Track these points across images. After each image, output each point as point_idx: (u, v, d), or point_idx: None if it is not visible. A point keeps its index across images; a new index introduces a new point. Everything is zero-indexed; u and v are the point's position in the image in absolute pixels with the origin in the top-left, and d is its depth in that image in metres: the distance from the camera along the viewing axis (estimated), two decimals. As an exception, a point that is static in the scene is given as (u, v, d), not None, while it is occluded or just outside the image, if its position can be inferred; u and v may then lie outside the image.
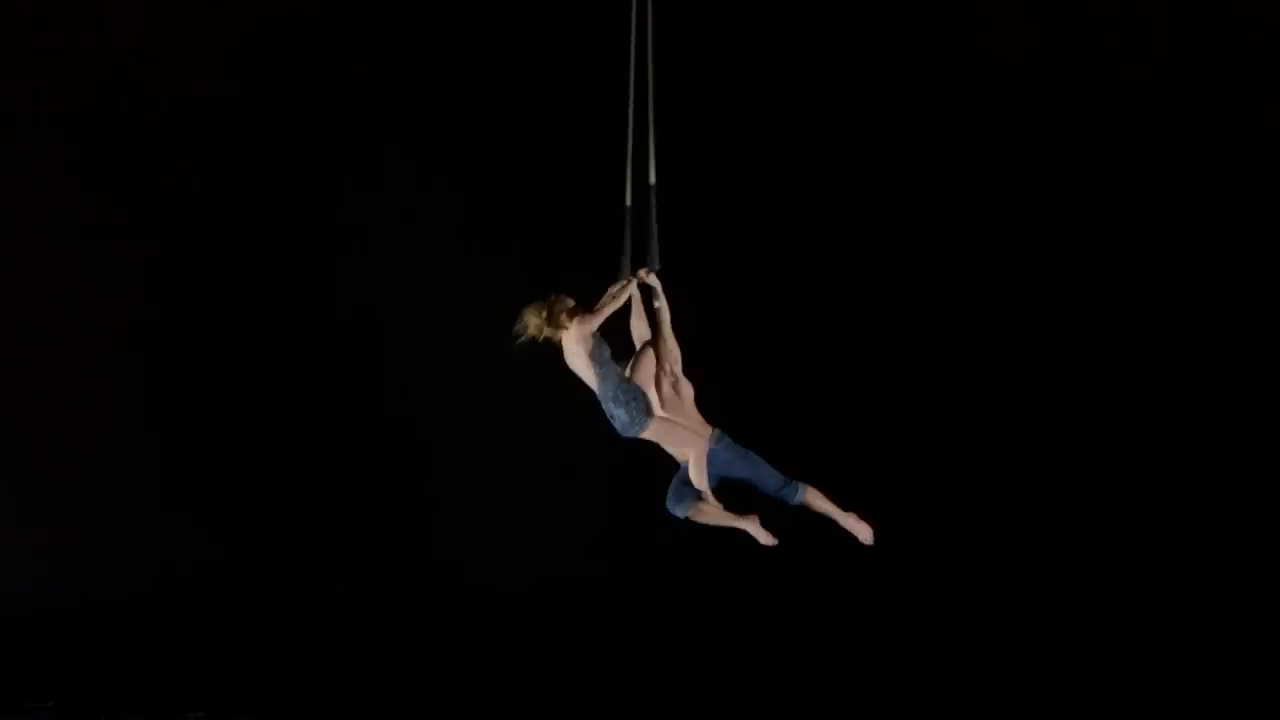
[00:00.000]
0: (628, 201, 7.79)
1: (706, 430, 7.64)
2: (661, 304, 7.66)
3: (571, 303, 7.51)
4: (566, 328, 7.47)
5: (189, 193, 12.14)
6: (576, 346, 7.48)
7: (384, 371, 12.38)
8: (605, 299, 7.54)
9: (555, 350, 7.63)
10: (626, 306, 7.69)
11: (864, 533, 7.77)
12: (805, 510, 7.72)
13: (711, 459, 7.61)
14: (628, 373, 7.56)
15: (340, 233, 12.32)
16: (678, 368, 7.71)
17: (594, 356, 7.48)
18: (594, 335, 7.48)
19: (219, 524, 12.13)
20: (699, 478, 7.57)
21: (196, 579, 12.01)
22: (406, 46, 12.17)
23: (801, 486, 7.68)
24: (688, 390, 7.71)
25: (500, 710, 10.66)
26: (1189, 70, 11.87)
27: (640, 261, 7.66)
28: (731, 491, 7.72)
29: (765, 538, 7.67)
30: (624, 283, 7.60)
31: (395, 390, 12.36)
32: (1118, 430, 12.23)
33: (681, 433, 7.59)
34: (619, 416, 7.49)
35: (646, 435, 7.55)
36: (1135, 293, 12.13)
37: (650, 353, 7.65)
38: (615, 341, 7.68)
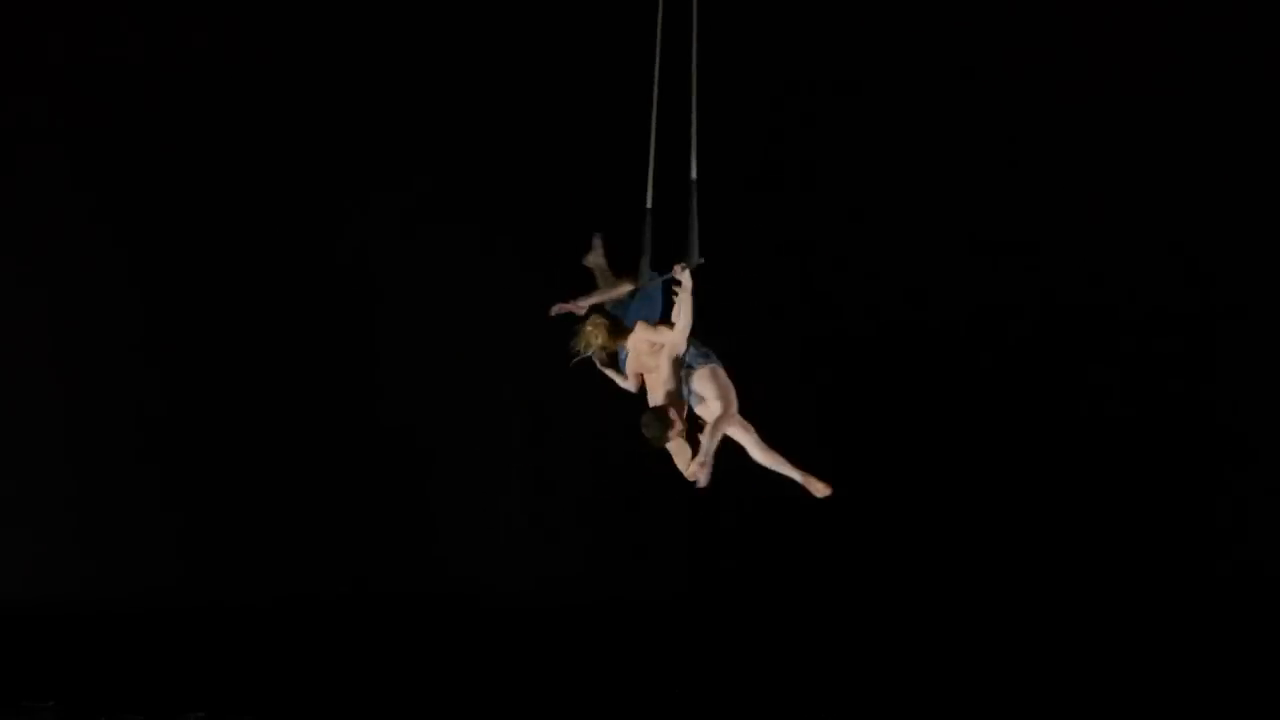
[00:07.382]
0: (648, 204, 7.77)
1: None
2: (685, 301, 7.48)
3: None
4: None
5: (190, 198, 12.15)
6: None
7: (383, 372, 12.38)
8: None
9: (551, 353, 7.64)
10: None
11: (819, 489, 7.42)
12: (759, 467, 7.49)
13: None
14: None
15: (341, 234, 12.33)
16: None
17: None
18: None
19: (219, 524, 12.14)
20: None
21: (197, 579, 12.02)
22: (408, 49, 12.18)
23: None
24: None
25: (500, 710, 10.65)
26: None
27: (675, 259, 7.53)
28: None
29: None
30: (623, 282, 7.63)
31: (395, 391, 12.37)
32: (1115, 427, 12.25)
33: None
34: None
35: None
36: (1132, 285, 12.17)
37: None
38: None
